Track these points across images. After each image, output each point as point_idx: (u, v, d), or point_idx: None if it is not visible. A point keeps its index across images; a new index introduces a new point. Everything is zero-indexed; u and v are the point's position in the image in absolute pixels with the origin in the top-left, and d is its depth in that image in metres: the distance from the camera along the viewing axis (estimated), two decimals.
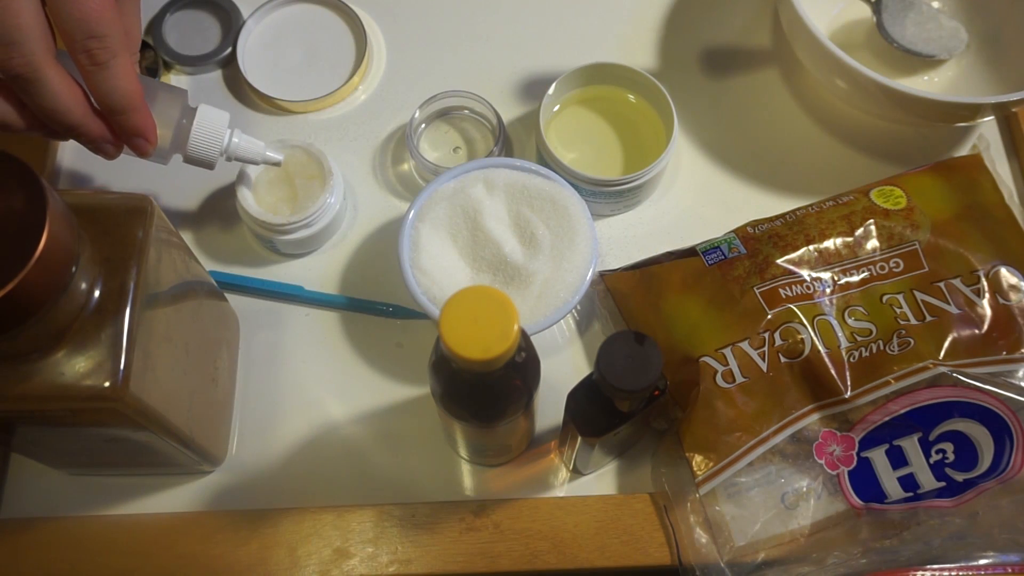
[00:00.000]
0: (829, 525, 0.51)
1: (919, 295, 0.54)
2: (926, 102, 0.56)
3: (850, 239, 0.55)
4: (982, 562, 0.49)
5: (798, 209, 0.58)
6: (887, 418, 0.52)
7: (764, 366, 0.52)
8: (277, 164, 0.56)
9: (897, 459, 0.51)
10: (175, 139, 0.52)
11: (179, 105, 0.52)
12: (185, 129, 0.52)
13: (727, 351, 0.53)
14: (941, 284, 0.55)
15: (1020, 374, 0.53)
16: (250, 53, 0.66)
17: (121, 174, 0.63)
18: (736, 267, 0.55)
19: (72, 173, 0.63)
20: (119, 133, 0.48)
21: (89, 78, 0.45)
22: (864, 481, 0.51)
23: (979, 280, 0.55)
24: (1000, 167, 0.64)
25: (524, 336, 0.42)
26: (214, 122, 0.52)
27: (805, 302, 0.53)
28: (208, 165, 0.54)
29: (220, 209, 0.62)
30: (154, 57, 0.65)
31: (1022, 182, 0.64)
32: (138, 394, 0.40)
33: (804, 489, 0.51)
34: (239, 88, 0.66)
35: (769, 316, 0.53)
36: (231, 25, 0.67)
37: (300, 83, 0.65)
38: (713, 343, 0.53)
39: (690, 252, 0.57)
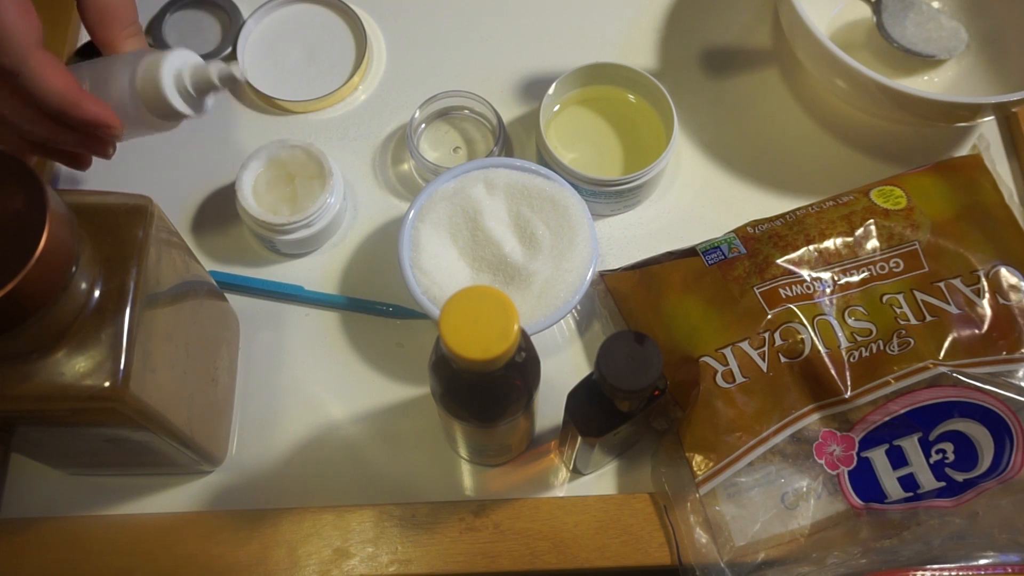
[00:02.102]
0: (829, 525, 0.51)
1: (919, 295, 0.54)
2: (926, 102, 0.56)
3: (850, 239, 0.55)
4: (982, 562, 0.49)
5: (798, 209, 0.58)
6: (887, 418, 0.52)
7: (764, 366, 0.52)
8: (234, 81, 0.48)
9: (897, 459, 0.51)
10: (133, 104, 0.47)
11: (128, 71, 0.47)
12: (134, 86, 0.47)
13: (727, 351, 0.53)
14: (941, 284, 0.55)
15: (1020, 374, 0.53)
16: (250, 53, 0.66)
17: (121, 174, 0.63)
18: (736, 267, 0.55)
19: (72, 173, 0.63)
20: (80, 131, 0.46)
21: (14, 92, 0.44)
22: (864, 481, 0.51)
23: (979, 280, 0.55)
24: (1000, 167, 0.64)
25: (524, 336, 0.42)
26: (153, 63, 0.47)
27: (805, 302, 0.53)
28: (174, 115, 0.48)
29: (220, 209, 0.62)
30: None
31: (1022, 182, 0.64)
32: (138, 394, 0.40)
33: (804, 489, 0.51)
34: (239, 88, 0.66)
35: (769, 316, 0.53)
36: (231, 25, 0.67)
37: (300, 83, 0.65)
38: (713, 343, 0.53)
39: (690, 252, 0.57)
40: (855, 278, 0.55)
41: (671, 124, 0.60)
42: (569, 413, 0.48)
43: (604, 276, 0.58)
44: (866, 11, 0.66)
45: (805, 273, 0.54)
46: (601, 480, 0.55)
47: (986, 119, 0.61)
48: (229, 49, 0.66)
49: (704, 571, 0.50)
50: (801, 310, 0.53)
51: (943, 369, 0.52)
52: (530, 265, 0.54)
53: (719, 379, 0.52)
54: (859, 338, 0.53)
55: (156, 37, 0.66)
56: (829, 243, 0.55)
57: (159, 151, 0.64)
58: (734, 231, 0.57)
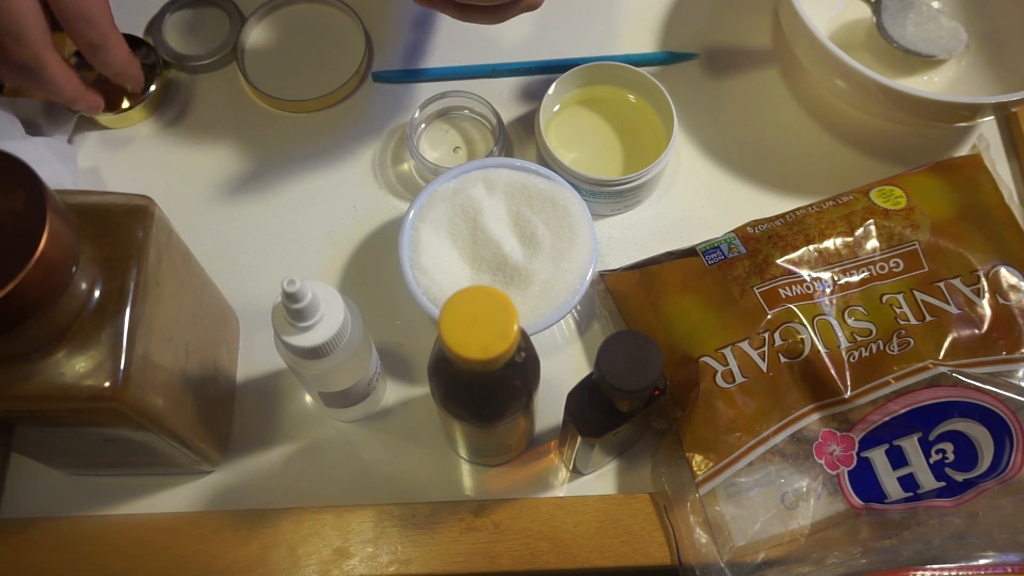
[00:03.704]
0: (829, 525, 0.51)
1: (919, 295, 0.54)
2: (926, 102, 0.56)
3: (850, 239, 0.55)
4: (982, 562, 0.49)
5: (798, 209, 0.58)
6: (887, 418, 0.52)
7: (764, 366, 0.52)
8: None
9: (897, 459, 0.51)
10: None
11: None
12: None
13: (727, 351, 0.53)
14: (941, 284, 0.55)
15: (1020, 374, 0.53)
16: (250, 53, 0.66)
17: (122, 174, 0.63)
18: (736, 267, 0.55)
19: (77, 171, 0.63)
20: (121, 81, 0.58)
21: (92, 58, 0.54)
22: (864, 481, 0.51)
23: (979, 280, 0.55)
24: (1000, 167, 0.64)
25: (524, 336, 0.42)
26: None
27: (805, 302, 0.53)
28: None
29: (221, 208, 0.62)
30: (155, 57, 0.65)
31: (1022, 182, 0.64)
32: (138, 394, 0.40)
33: (804, 489, 0.51)
34: (239, 88, 0.66)
35: (769, 316, 0.53)
36: (231, 25, 0.67)
37: (300, 83, 0.65)
38: (713, 343, 0.53)
39: (690, 252, 0.57)
40: (855, 278, 0.55)
41: (671, 124, 0.60)
42: (569, 413, 0.48)
43: (604, 276, 0.58)
44: (866, 11, 0.66)
45: (805, 273, 0.54)
46: (601, 480, 0.55)
47: (986, 119, 0.61)
48: (229, 49, 0.66)
49: (704, 571, 0.50)
50: (801, 310, 0.53)
51: (943, 369, 0.52)
52: (530, 265, 0.54)
53: (719, 379, 0.52)
54: (859, 338, 0.53)
55: (156, 37, 0.66)
56: (829, 243, 0.55)
57: (159, 150, 0.64)
58: (734, 231, 0.57)
